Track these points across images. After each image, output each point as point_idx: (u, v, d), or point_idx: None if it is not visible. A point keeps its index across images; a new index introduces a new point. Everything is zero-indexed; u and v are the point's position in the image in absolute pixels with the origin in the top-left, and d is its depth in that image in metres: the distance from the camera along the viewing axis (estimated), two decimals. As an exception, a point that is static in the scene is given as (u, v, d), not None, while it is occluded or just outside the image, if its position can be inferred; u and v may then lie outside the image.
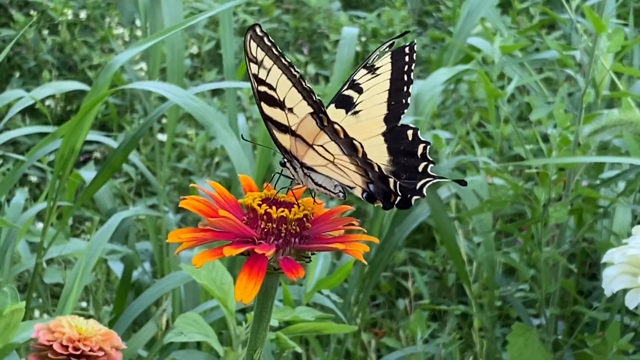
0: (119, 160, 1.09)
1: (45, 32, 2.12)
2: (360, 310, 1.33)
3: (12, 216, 1.14)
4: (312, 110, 0.53)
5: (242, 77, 1.49)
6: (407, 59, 0.61)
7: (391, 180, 0.54)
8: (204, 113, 1.06)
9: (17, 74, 2.07)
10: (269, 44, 0.52)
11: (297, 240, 0.52)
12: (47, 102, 1.99)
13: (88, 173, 1.37)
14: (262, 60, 0.53)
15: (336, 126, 0.53)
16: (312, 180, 0.56)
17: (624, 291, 0.90)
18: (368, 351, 1.37)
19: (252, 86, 0.54)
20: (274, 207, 0.51)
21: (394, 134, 0.59)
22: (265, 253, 0.49)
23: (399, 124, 0.60)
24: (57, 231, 1.11)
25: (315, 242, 0.52)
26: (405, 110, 0.61)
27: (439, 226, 1.29)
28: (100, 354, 0.77)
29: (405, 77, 0.61)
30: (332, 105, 0.60)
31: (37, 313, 1.33)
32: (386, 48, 0.61)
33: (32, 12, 2.12)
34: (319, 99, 0.53)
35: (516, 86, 1.30)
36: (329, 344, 1.30)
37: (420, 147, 0.57)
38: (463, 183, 0.58)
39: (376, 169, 0.54)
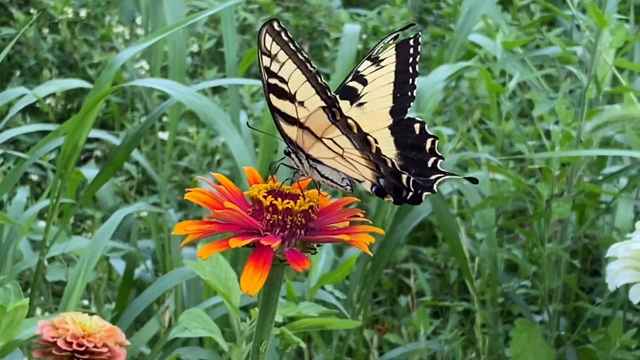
0: (121, 158, 1.09)
1: (46, 30, 2.12)
2: (362, 307, 1.33)
3: (14, 214, 1.14)
4: (324, 104, 0.53)
5: (243, 74, 1.49)
6: (412, 51, 0.61)
7: (404, 176, 0.54)
8: (208, 110, 1.06)
9: (18, 73, 2.07)
10: (286, 39, 0.53)
11: (302, 231, 0.52)
12: (48, 101, 1.99)
13: (89, 171, 1.37)
14: (277, 54, 0.53)
15: (350, 121, 0.53)
16: (318, 172, 0.56)
17: (627, 286, 0.90)
18: (370, 348, 1.37)
19: (262, 78, 0.54)
20: (279, 199, 0.51)
21: (401, 127, 0.59)
22: (271, 244, 0.49)
23: (406, 117, 0.60)
24: (60, 229, 1.11)
25: (320, 234, 0.52)
26: (412, 103, 0.60)
27: (442, 223, 1.29)
28: (104, 350, 0.77)
29: (411, 70, 0.61)
30: (337, 97, 0.60)
31: (38, 311, 1.33)
32: (391, 40, 0.61)
33: (32, 11, 2.12)
34: (334, 95, 0.53)
35: (517, 83, 1.30)
36: (331, 340, 1.30)
37: (429, 141, 0.57)
38: (474, 181, 0.57)
39: (389, 165, 0.54)
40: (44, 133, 1.45)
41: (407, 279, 1.51)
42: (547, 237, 1.16)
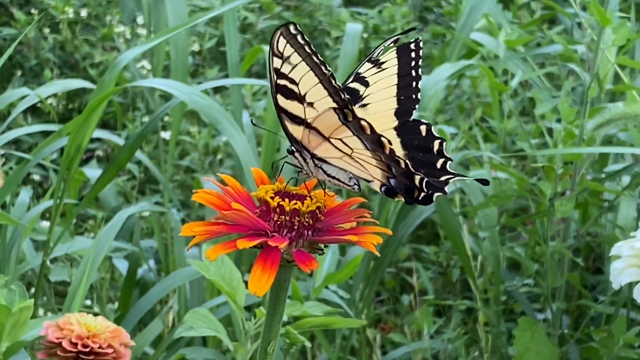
0: (125, 158, 1.09)
1: (47, 30, 2.12)
2: (365, 306, 1.33)
3: (17, 215, 1.14)
4: (335, 106, 0.54)
5: (245, 73, 1.49)
6: (413, 55, 0.61)
7: (417, 177, 0.54)
8: (211, 110, 1.06)
9: (19, 73, 2.07)
10: (302, 42, 0.53)
11: (310, 232, 0.52)
12: (49, 101, 1.99)
13: (92, 171, 1.37)
14: (289, 56, 0.53)
15: (363, 122, 0.53)
16: (324, 171, 0.57)
17: (630, 284, 0.90)
18: (373, 347, 1.37)
19: (270, 79, 0.55)
20: (286, 200, 0.51)
21: (407, 129, 0.60)
22: (278, 245, 0.49)
23: (411, 119, 0.61)
24: (63, 229, 1.11)
25: (328, 234, 0.52)
26: (417, 106, 0.61)
27: (444, 221, 1.29)
28: (109, 351, 0.77)
29: (413, 73, 0.61)
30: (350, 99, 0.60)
31: (41, 311, 1.33)
32: (391, 43, 0.62)
33: (33, 11, 2.12)
34: (347, 97, 0.53)
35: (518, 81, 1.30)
36: (335, 340, 1.30)
37: (436, 143, 0.57)
38: (485, 182, 0.58)
39: (402, 166, 0.54)
40: (45, 133, 1.45)
41: (410, 278, 1.51)
42: (550, 235, 1.16)
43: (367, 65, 0.62)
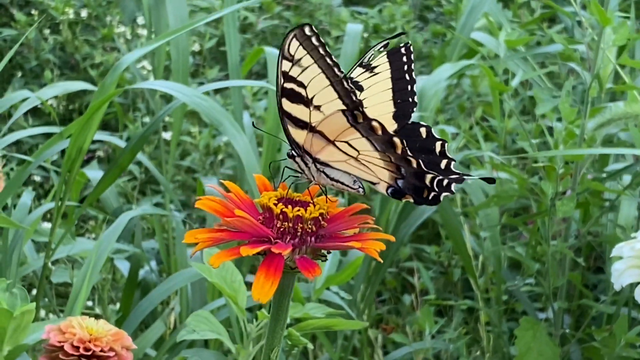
0: (127, 160, 1.09)
1: (47, 31, 2.12)
2: (366, 306, 1.33)
3: (19, 217, 1.14)
4: (343, 108, 0.54)
5: (246, 73, 1.49)
6: (405, 59, 0.62)
7: (429, 176, 0.54)
8: (213, 112, 1.06)
9: (19, 74, 2.07)
10: (316, 43, 0.53)
11: (313, 239, 0.52)
12: (50, 102, 1.99)
13: (93, 172, 1.37)
14: (300, 59, 0.53)
15: (374, 123, 0.53)
16: (326, 175, 0.57)
17: (632, 285, 0.90)
18: (375, 347, 1.37)
19: (277, 82, 0.55)
20: (289, 207, 0.51)
21: (406, 132, 0.60)
22: (281, 252, 0.49)
23: (410, 122, 0.61)
24: (65, 231, 1.11)
25: (331, 241, 0.52)
26: (415, 109, 0.61)
27: (445, 221, 1.29)
28: (111, 354, 0.77)
29: (407, 77, 0.62)
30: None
31: (43, 313, 1.33)
32: (381, 48, 0.62)
33: (33, 12, 2.12)
34: (359, 99, 0.53)
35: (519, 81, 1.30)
36: (336, 340, 1.30)
37: (438, 144, 0.57)
38: (491, 181, 0.58)
39: (414, 165, 0.54)
40: (46, 134, 1.45)
41: (411, 278, 1.51)
42: (551, 234, 1.16)
43: (359, 70, 0.62)
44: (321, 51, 0.53)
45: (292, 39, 0.53)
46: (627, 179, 1.26)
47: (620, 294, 1.18)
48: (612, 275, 0.89)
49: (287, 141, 0.57)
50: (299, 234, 0.51)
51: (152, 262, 1.41)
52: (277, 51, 1.38)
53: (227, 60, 1.39)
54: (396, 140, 0.54)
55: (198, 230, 0.51)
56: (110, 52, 2.07)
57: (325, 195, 0.56)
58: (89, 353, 0.76)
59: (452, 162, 0.58)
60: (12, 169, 1.59)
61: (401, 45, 0.62)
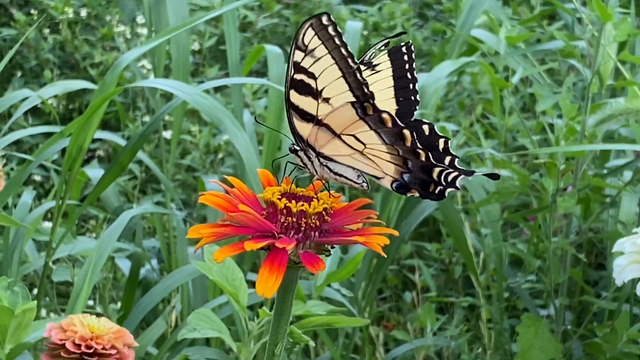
0: (127, 158, 1.09)
1: (46, 30, 2.12)
2: (367, 303, 1.33)
3: (20, 216, 1.14)
4: (353, 100, 0.54)
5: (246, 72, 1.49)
6: (406, 57, 0.62)
7: (437, 169, 0.54)
8: (214, 110, 1.06)
9: (19, 74, 2.07)
10: (333, 33, 0.53)
11: (316, 233, 0.52)
12: (50, 101, 1.99)
13: (94, 171, 1.37)
14: (314, 49, 0.53)
15: (384, 115, 0.54)
16: (330, 169, 0.57)
17: (633, 281, 0.90)
18: (376, 345, 1.37)
19: (287, 73, 0.55)
20: (293, 201, 0.51)
21: (409, 129, 0.60)
22: (285, 247, 0.49)
23: (412, 120, 0.61)
24: (66, 230, 1.11)
25: (334, 236, 0.52)
26: (418, 107, 0.61)
27: (447, 218, 1.29)
28: (113, 352, 0.77)
29: (409, 75, 0.62)
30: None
31: (43, 312, 1.33)
32: (382, 46, 0.62)
33: (32, 11, 2.12)
34: (370, 91, 0.53)
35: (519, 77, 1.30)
36: (337, 338, 1.30)
37: (441, 141, 0.57)
38: (495, 177, 0.58)
39: (423, 158, 0.54)
40: (46, 133, 1.45)
41: (412, 275, 1.51)
42: (552, 231, 1.16)
43: (361, 67, 0.62)
44: (337, 41, 0.53)
45: (307, 28, 0.53)
46: (628, 175, 1.26)
47: (621, 290, 1.18)
48: (613, 270, 0.89)
49: (289, 137, 0.57)
50: (302, 228, 0.51)
51: (153, 260, 1.41)
52: (277, 49, 1.38)
53: (226, 59, 1.39)
54: (406, 132, 0.54)
55: (201, 225, 0.51)
56: (110, 51, 2.06)
57: (328, 190, 0.56)
58: (91, 351, 0.76)
59: (456, 159, 0.58)
60: (12, 169, 1.59)
61: (402, 44, 0.62)
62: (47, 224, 1.35)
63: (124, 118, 1.72)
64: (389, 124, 0.54)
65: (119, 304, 1.34)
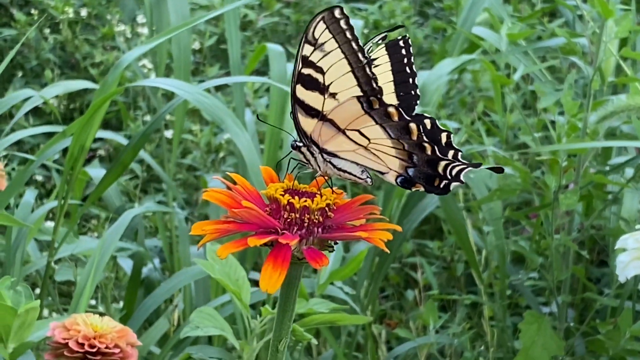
0: (129, 158, 1.09)
1: (47, 30, 2.12)
2: (370, 302, 1.33)
3: (22, 216, 1.14)
4: (359, 95, 0.54)
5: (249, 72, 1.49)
6: (404, 52, 0.62)
7: (442, 163, 0.54)
8: (216, 109, 1.06)
9: (20, 74, 2.07)
10: (345, 26, 0.53)
11: (320, 229, 0.52)
12: (51, 101, 1.99)
13: (95, 171, 1.37)
14: (324, 43, 0.53)
15: (390, 109, 0.53)
16: (334, 165, 0.56)
17: (636, 277, 0.90)
18: (379, 343, 1.37)
19: (295, 67, 0.55)
20: (296, 197, 0.51)
21: (415, 122, 0.60)
22: (289, 243, 0.49)
23: (414, 114, 0.61)
24: (68, 230, 1.11)
25: (337, 231, 0.52)
26: (418, 101, 0.61)
27: (448, 216, 1.29)
28: (116, 350, 0.77)
29: (408, 70, 0.61)
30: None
31: (46, 311, 1.33)
32: (379, 41, 0.62)
33: (32, 11, 2.12)
34: (379, 86, 0.53)
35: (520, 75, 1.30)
36: (340, 336, 1.30)
37: (443, 135, 0.57)
38: (499, 170, 0.58)
39: (429, 152, 0.54)
40: (47, 133, 1.45)
41: (414, 273, 1.51)
42: (555, 228, 1.16)
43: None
44: (348, 35, 0.53)
45: (319, 22, 0.53)
46: (629, 171, 1.26)
47: (624, 286, 1.18)
48: (616, 267, 0.89)
49: (291, 135, 0.57)
50: (305, 224, 0.51)
51: (155, 260, 1.41)
52: (279, 48, 1.38)
53: (227, 58, 1.39)
54: (412, 125, 0.54)
55: (205, 222, 0.51)
56: (111, 51, 2.06)
57: (331, 186, 0.56)
58: (94, 350, 0.76)
59: (459, 153, 0.57)
60: (13, 169, 1.59)
61: (399, 38, 0.62)
62: (49, 224, 1.35)
63: (125, 117, 1.72)
64: (395, 118, 0.54)
65: (121, 304, 1.34)
